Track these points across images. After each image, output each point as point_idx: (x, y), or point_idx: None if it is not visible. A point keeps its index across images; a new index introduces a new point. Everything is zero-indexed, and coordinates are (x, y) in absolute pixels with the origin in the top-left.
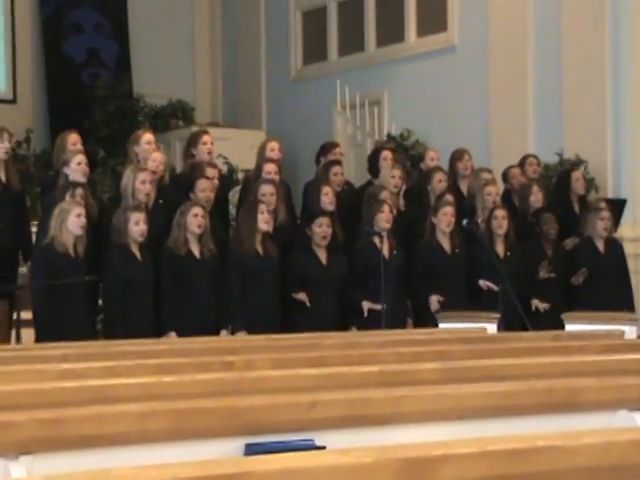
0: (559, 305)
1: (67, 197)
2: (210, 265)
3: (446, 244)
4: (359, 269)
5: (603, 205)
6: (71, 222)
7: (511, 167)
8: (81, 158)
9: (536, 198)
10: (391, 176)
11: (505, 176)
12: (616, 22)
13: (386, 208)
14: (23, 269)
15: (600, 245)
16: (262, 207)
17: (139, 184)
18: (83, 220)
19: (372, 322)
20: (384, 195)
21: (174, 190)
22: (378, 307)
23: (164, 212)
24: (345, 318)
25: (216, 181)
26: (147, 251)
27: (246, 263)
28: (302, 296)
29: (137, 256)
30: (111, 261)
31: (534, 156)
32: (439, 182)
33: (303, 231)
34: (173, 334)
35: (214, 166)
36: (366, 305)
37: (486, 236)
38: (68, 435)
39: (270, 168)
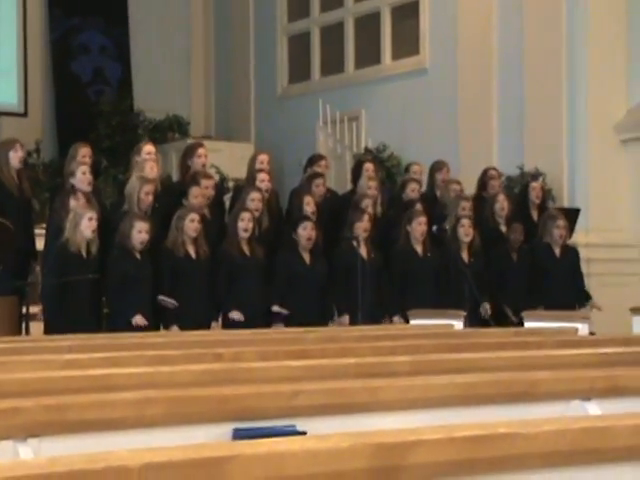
0: (521, 303)
1: (71, 202)
2: (205, 265)
3: (419, 248)
4: (340, 270)
5: (560, 214)
6: (84, 225)
7: (489, 178)
8: (85, 169)
9: (501, 206)
10: (368, 187)
11: (484, 184)
12: (572, 50)
13: (365, 217)
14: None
15: (557, 250)
16: (243, 214)
17: (143, 195)
18: (94, 224)
19: (350, 317)
20: (365, 203)
21: (169, 196)
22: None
23: (159, 215)
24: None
25: (210, 190)
26: (145, 252)
27: (232, 262)
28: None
29: (136, 256)
30: (113, 260)
31: (494, 168)
32: (412, 191)
33: (289, 234)
34: (175, 327)
35: (210, 177)
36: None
37: (453, 242)
38: (72, 420)
39: (263, 177)
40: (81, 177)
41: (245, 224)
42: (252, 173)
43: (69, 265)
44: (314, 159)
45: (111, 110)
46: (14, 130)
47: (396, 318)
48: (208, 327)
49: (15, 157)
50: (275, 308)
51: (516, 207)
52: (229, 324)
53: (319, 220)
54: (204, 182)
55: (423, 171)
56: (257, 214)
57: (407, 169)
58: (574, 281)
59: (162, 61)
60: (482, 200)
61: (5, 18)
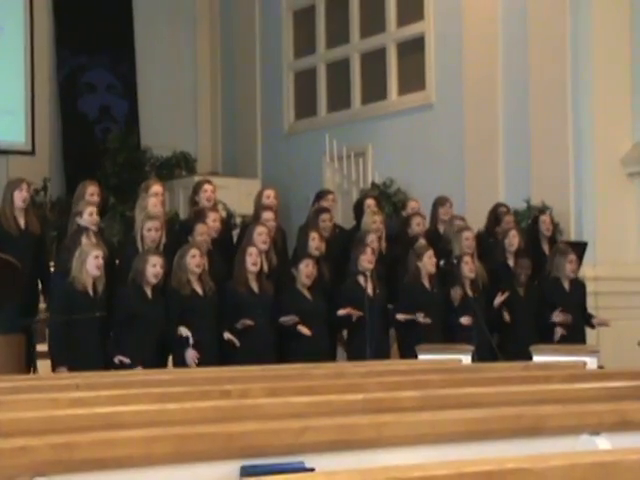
0: (529, 338)
1: (83, 240)
2: (213, 301)
3: (427, 283)
4: (346, 305)
5: (570, 249)
6: (90, 263)
7: (505, 213)
8: (92, 209)
9: (510, 242)
10: (372, 221)
11: (499, 221)
12: (578, 83)
13: (368, 250)
14: (42, 305)
15: (566, 284)
16: (250, 249)
17: (146, 232)
18: (100, 261)
19: (358, 352)
20: (369, 239)
21: (180, 234)
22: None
23: (168, 253)
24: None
25: (218, 224)
26: (157, 291)
27: (240, 299)
28: (300, 327)
29: (148, 295)
30: (123, 295)
31: (504, 205)
32: (417, 225)
33: (290, 271)
34: (190, 350)
35: (215, 210)
36: (342, 311)
37: (459, 277)
38: (79, 458)
39: (268, 216)
40: (88, 218)
41: (253, 259)
42: (258, 209)
43: (76, 304)
44: (322, 194)
45: (118, 147)
46: (22, 169)
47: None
48: (218, 364)
49: (19, 197)
50: (283, 319)
51: (527, 241)
52: (241, 333)
53: (328, 257)
54: (211, 215)
55: (420, 206)
56: (264, 247)
57: (404, 206)
58: (583, 314)
59: (169, 98)
60: (491, 235)
61: (13, 58)
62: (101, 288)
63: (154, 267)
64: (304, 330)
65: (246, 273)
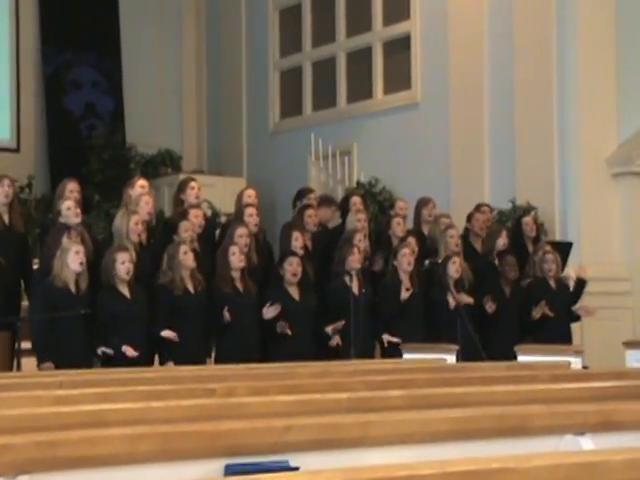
0: (514, 337)
1: (64, 239)
2: (202, 298)
3: (407, 284)
4: (332, 305)
5: (549, 249)
6: (71, 259)
7: (476, 211)
8: (69, 204)
9: (503, 242)
10: (357, 220)
11: (470, 218)
12: (563, 84)
13: (355, 251)
14: (25, 302)
15: (553, 284)
16: (233, 249)
17: (133, 225)
18: (82, 257)
19: (343, 353)
20: (357, 238)
21: (164, 232)
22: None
23: (153, 251)
24: (318, 350)
25: (200, 219)
26: (136, 288)
27: (226, 299)
28: (282, 326)
29: (126, 294)
30: (101, 300)
31: (487, 205)
32: (397, 225)
33: (276, 270)
34: (171, 364)
35: (197, 206)
36: (329, 328)
37: (444, 277)
38: (63, 456)
39: (251, 211)
40: (66, 213)
41: (237, 257)
42: (240, 209)
43: (58, 302)
44: (303, 192)
45: (103, 145)
46: (6, 165)
47: (386, 336)
48: (204, 363)
49: (1, 192)
50: (266, 310)
51: (511, 241)
52: (225, 331)
53: (314, 254)
54: (193, 212)
55: (408, 207)
56: (246, 249)
57: (392, 206)
58: (568, 314)
59: (154, 96)
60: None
61: None
62: (84, 285)
63: (123, 264)
64: (283, 328)
65: (230, 272)
